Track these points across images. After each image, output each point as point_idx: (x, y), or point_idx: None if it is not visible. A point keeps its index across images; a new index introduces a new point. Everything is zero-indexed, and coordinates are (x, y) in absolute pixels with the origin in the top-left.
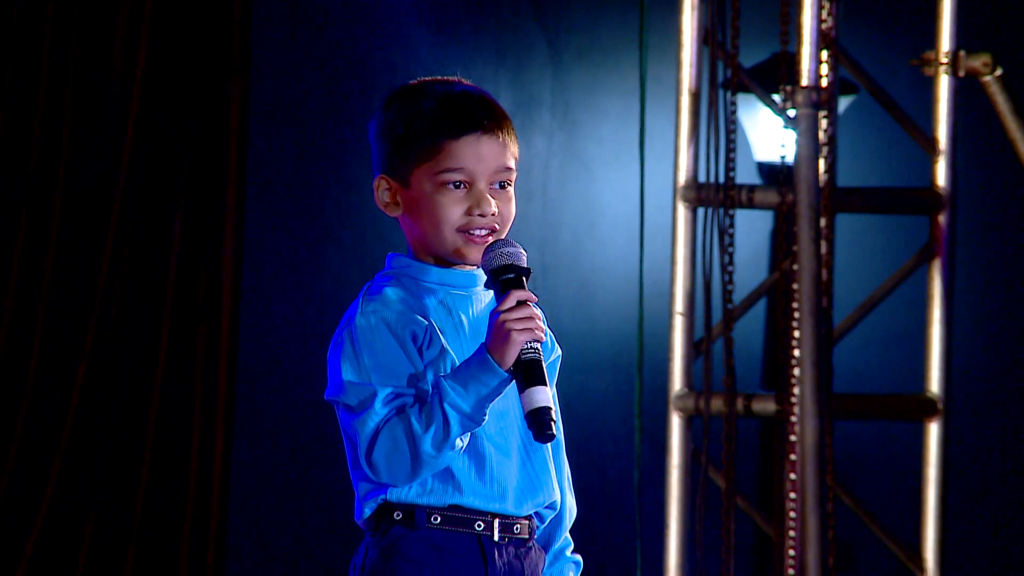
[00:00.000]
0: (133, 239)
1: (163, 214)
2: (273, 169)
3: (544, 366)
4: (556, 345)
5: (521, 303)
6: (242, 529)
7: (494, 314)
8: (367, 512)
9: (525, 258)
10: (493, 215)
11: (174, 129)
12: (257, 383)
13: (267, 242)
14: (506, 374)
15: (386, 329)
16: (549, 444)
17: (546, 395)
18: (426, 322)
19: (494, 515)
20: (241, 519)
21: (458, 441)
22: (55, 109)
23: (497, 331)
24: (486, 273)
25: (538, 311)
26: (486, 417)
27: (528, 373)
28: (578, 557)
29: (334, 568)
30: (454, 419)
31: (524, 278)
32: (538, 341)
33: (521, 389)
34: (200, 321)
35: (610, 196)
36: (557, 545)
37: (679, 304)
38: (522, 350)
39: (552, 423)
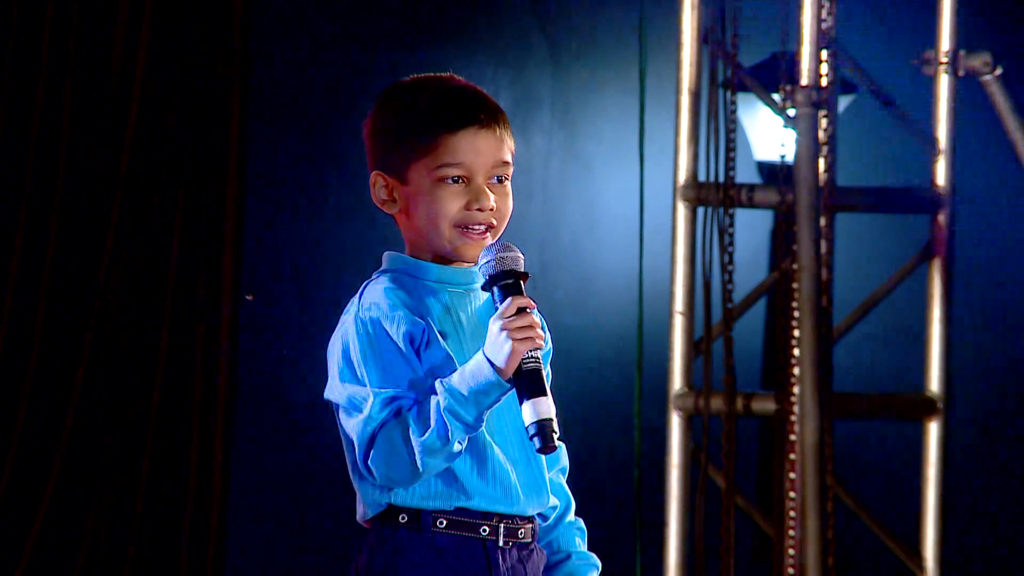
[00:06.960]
0: (133, 238)
1: (163, 213)
2: (273, 169)
3: (544, 375)
4: (548, 336)
5: (521, 310)
6: (242, 529)
7: (494, 321)
8: (371, 513)
9: (523, 261)
10: (491, 210)
11: (174, 129)
12: (257, 383)
13: (267, 242)
14: (507, 384)
15: (383, 330)
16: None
17: (548, 406)
18: (423, 322)
19: (499, 517)
20: (241, 519)
21: (457, 445)
22: (55, 109)
23: (497, 340)
24: (484, 277)
25: (538, 318)
26: (484, 422)
27: (530, 384)
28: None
29: (334, 568)
30: (453, 426)
31: (522, 283)
32: (538, 349)
33: (522, 400)
34: (200, 321)
35: (610, 196)
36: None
37: (679, 303)
38: (523, 360)
39: (554, 435)
